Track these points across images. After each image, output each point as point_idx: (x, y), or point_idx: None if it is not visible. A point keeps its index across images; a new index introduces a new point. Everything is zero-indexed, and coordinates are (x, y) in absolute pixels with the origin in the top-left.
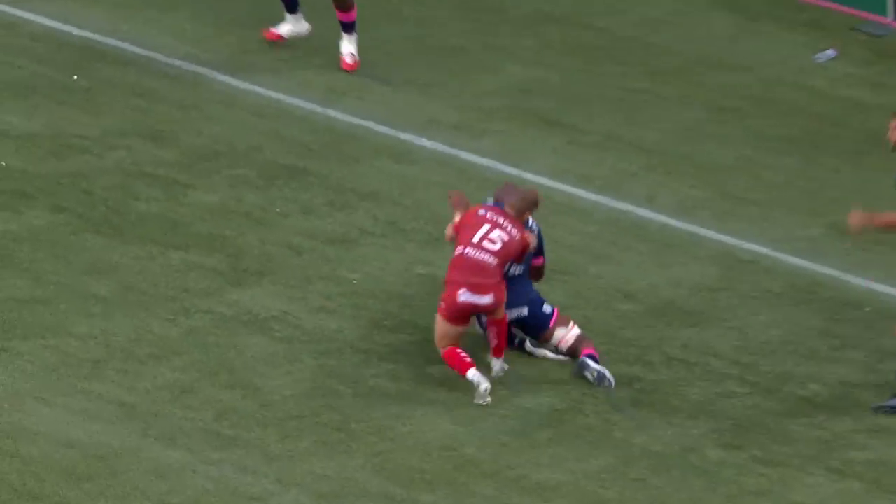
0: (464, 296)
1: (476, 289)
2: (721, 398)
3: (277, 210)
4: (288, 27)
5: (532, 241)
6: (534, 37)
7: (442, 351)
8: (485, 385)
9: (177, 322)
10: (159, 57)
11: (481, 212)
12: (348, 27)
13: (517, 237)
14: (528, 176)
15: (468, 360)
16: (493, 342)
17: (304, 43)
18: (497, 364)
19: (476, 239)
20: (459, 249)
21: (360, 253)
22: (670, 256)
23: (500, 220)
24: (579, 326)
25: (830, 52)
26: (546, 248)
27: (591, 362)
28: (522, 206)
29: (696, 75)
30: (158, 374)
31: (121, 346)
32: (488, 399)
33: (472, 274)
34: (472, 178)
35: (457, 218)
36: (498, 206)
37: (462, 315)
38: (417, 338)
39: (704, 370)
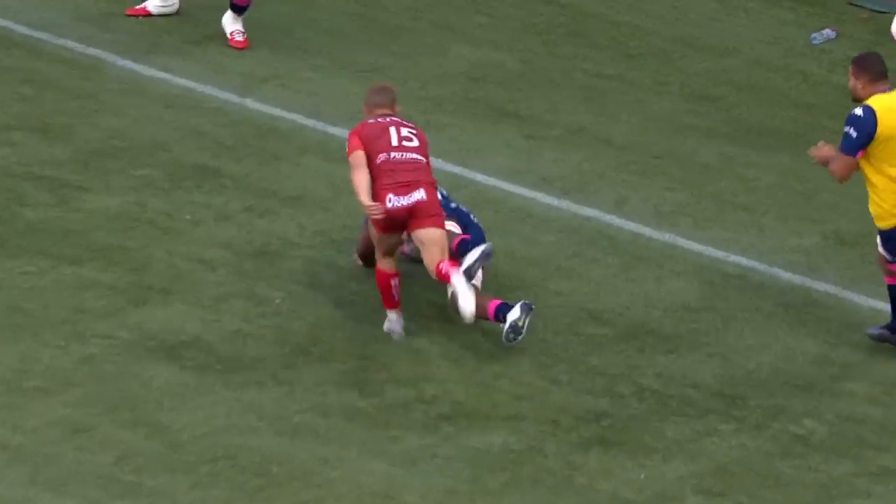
0: (392, 202)
1: (404, 189)
2: (702, 436)
3: (187, 217)
4: (155, 3)
5: None
6: (487, 14)
7: (378, 265)
8: (397, 334)
9: (69, 349)
10: (49, 37)
11: (371, 120)
12: (239, 9)
13: (419, 129)
14: (479, 177)
15: (397, 297)
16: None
17: (219, 22)
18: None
19: (394, 142)
20: (382, 157)
21: (284, 267)
22: (643, 271)
23: (397, 118)
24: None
25: (829, 32)
26: (498, 260)
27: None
28: (393, 96)
29: (674, 59)
30: (48, 411)
31: (3, 378)
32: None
33: (402, 174)
34: None
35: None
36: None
37: (396, 223)
38: (350, 366)
39: (683, 403)
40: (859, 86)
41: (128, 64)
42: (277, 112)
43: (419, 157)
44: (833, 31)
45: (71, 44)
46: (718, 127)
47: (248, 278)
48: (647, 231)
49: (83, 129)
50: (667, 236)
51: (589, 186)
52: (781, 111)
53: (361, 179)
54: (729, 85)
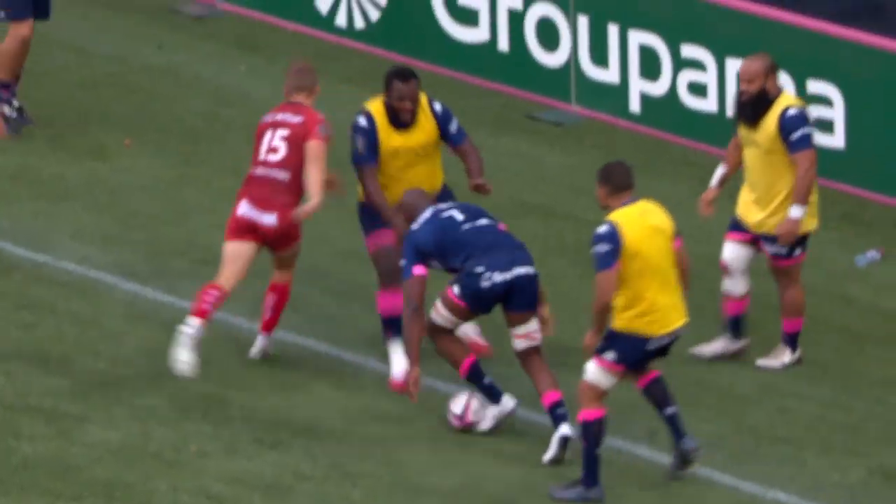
0: (243, 208)
1: (260, 203)
2: None
3: (193, 449)
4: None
5: (320, 122)
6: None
7: (217, 279)
8: (184, 357)
9: None
10: (48, 259)
11: (268, 117)
12: None
13: (300, 121)
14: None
15: (210, 308)
16: (266, 313)
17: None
18: (262, 342)
19: (261, 156)
20: (251, 170)
21: (296, 502)
22: None
23: (279, 115)
24: None
25: (873, 254)
26: (521, 497)
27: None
28: (301, 82)
29: (709, 280)
30: None
31: None
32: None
33: (260, 189)
34: (433, 408)
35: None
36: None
37: (240, 229)
38: None
39: None
40: (603, 196)
41: (132, 288)
42: (290, 338)
43: (280, 174)
44: (878, 251)
45: (71, 266)
46: (756, 354)
47: None
48: None
49: (83, 358)
50: (701, 471)
51: (619, 417)
52: (823, 337)
53: None
54: (766, 308)
